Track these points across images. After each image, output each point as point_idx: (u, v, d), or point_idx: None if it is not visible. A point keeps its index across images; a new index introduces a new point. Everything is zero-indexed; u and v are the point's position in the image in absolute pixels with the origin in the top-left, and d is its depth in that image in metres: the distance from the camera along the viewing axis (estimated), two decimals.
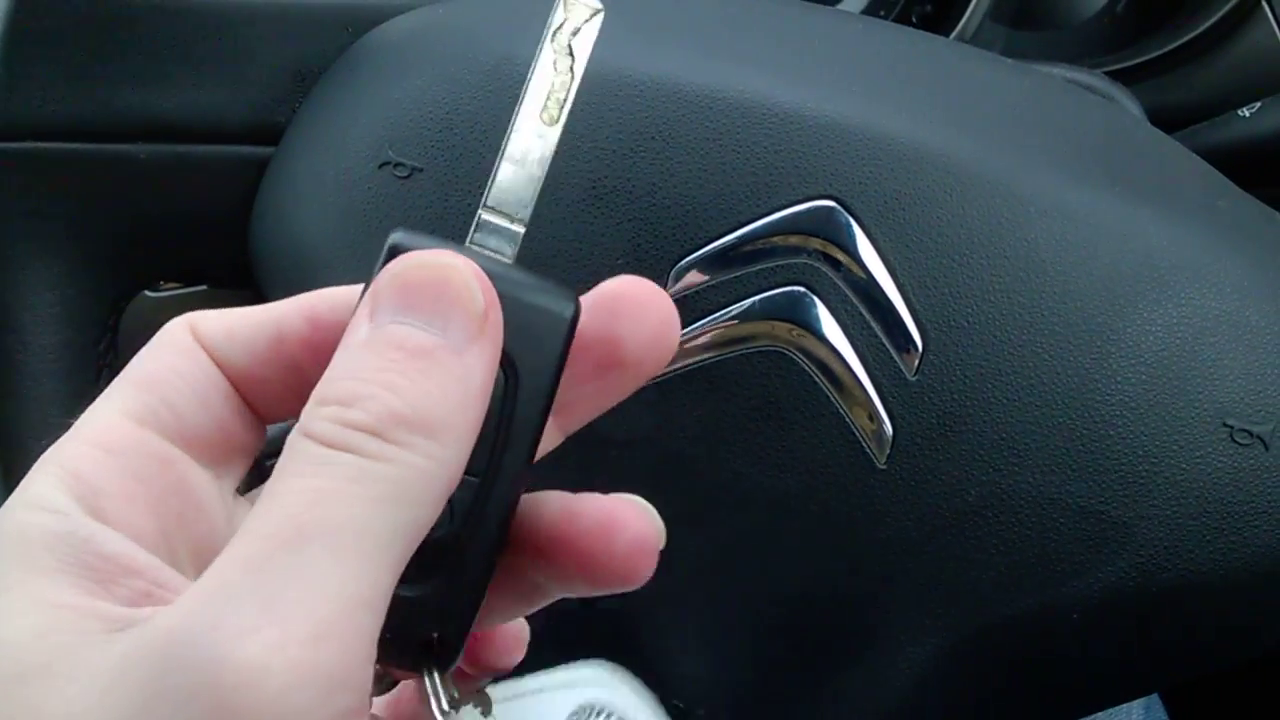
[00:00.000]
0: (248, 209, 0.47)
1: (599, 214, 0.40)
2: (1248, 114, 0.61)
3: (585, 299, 0.27)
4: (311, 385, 0.25)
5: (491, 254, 0.27)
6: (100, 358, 0.49)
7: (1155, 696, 0.68)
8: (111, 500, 0.25)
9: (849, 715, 0.43)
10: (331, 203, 0.43)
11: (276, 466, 0.23)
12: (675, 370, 0.39)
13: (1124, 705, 0.64)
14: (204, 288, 0.66)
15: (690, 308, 0.39)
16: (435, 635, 0.26)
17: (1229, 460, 0.39)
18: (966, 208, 0.39)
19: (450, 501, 0.25)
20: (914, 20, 0.80)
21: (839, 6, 0.74)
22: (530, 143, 0.27)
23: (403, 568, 0.23)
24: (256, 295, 0.47)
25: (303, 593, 0.21)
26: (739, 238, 0.39)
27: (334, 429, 0.23)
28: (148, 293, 0.64)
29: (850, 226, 0.39)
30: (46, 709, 0.21)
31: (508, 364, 0.26)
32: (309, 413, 0.24)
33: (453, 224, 0.40)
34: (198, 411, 0.27)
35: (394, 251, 0.26)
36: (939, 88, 0.43)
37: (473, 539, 0.26)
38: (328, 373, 0.24)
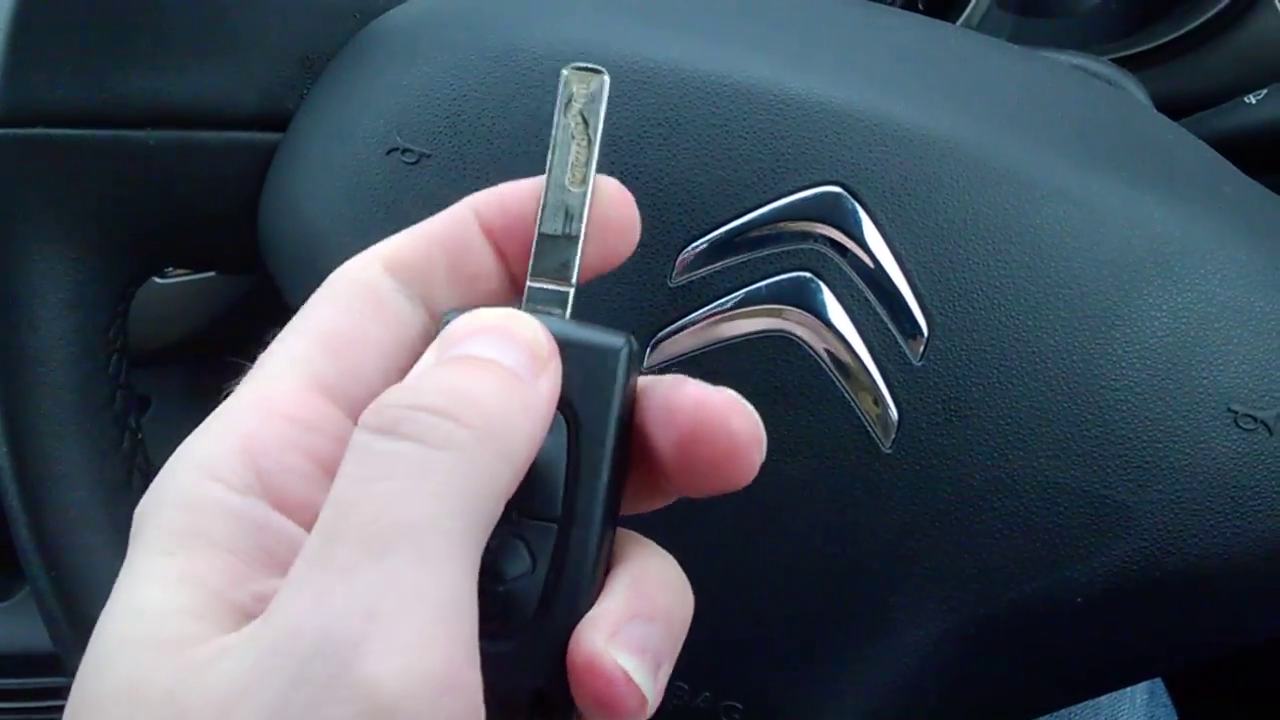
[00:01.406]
0: (256, 195, 0.47)
1: None
2: (1254, 100, 0.61)
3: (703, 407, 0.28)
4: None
5: (543, 310, 0.28)
6: (110, 344, 0.49)
7: (1159, 680, 0.68)
8: (291, 479, 0.25)
9: (852, 698, 0.43)
10: (340, 189, 0.43)
11: (341, 467, 0.23)
12: (680, 357, 0.40)
13: (1127, 689, 0.64)
14: (213, 274, 0.66)
15: (696, 293, 0.40)
16: (540, 688, 0.26)
17: (1233, 445, 0.39)
18: (973, 194, 0.39)
19: (528, 546, 0.26)
20: (920, 6, 0.80)
21: None
22: (561, 208, 0.28)
23: (478, 564, 0.23)
24: (266, 281, 0.47)
25: (397, 601, 0.21)
26: (745, 224, 0.39)
27: (401, 412, 0.23)
28: (156, 279, 0.65)
29: (857, 213, 0.39)
30: (198, 683, 0.21)
31: (569, 410, 0.26)
32: (371, 410, 0.24)
33: None
34: (385, 383, 0.27)
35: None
36: (946, 74, 0.43)
37: (558, 585, 0.26)
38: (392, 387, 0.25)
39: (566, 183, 0.28)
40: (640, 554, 0.28)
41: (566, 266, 0.28)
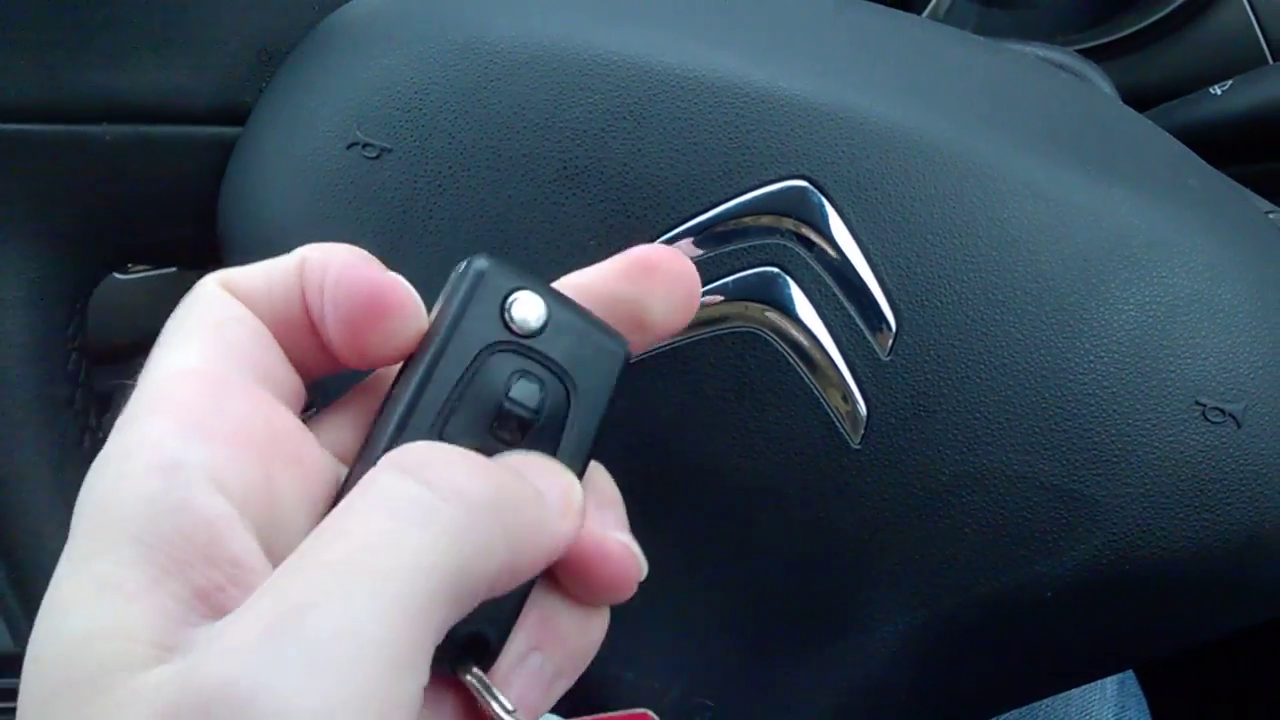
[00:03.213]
0: (215, 190, 0.46)
1: (570, 194, 0.39)
2: (1219, 92, 0.61)
3: (618, 260, 0.31)
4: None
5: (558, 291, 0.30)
6: (68, 341, 0.48)
7: (1130, 673, 0.69)
8: (226, 450, 0.24)
9: (822, 693, 0.43)
10: (300, 183, 0.42)
11: (344, 501, 0.24)
12: (648, 352, 0.39)
13: (1098, 681, 0.65)
14: (173, 270, 0.65)
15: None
16: (476, 633, 0.27)
17: (1202, 438, 0.39)
18: (939, 187, 0.39)
19: None
20: None
21: None
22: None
23: (449, 626, 0.23)
24: None
25: (347, 653, 0.21)
26: (711, 218, 0.39)
27: (421, 460, 0.24)
28: (116, 275, 0.64)
29: (823, 207, 0.39)
30: None
31: (570, 382, 0.29)
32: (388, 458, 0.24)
33: (422, 205, 0.40)
34: (263, 356, 0.27)
35: (480, 275, 0.28)
36: (911, 66, 0.43)
37: None
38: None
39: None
40: None
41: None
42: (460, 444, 0.26)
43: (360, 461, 0.28)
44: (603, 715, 0.28)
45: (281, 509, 0.25)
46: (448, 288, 0.29)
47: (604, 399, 0.29)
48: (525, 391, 0.28)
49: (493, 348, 0.28)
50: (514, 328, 0.28)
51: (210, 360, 0.26)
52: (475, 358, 0.28)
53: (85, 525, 0.24)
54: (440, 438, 0.27)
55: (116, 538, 0.23)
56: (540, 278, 0.29)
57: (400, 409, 0.27)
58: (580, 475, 0.29)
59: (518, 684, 0.28)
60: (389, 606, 0.21)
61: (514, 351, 0.28)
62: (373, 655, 0.21)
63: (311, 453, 0.27)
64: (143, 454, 0.24)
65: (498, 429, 0.28)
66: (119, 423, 0.25)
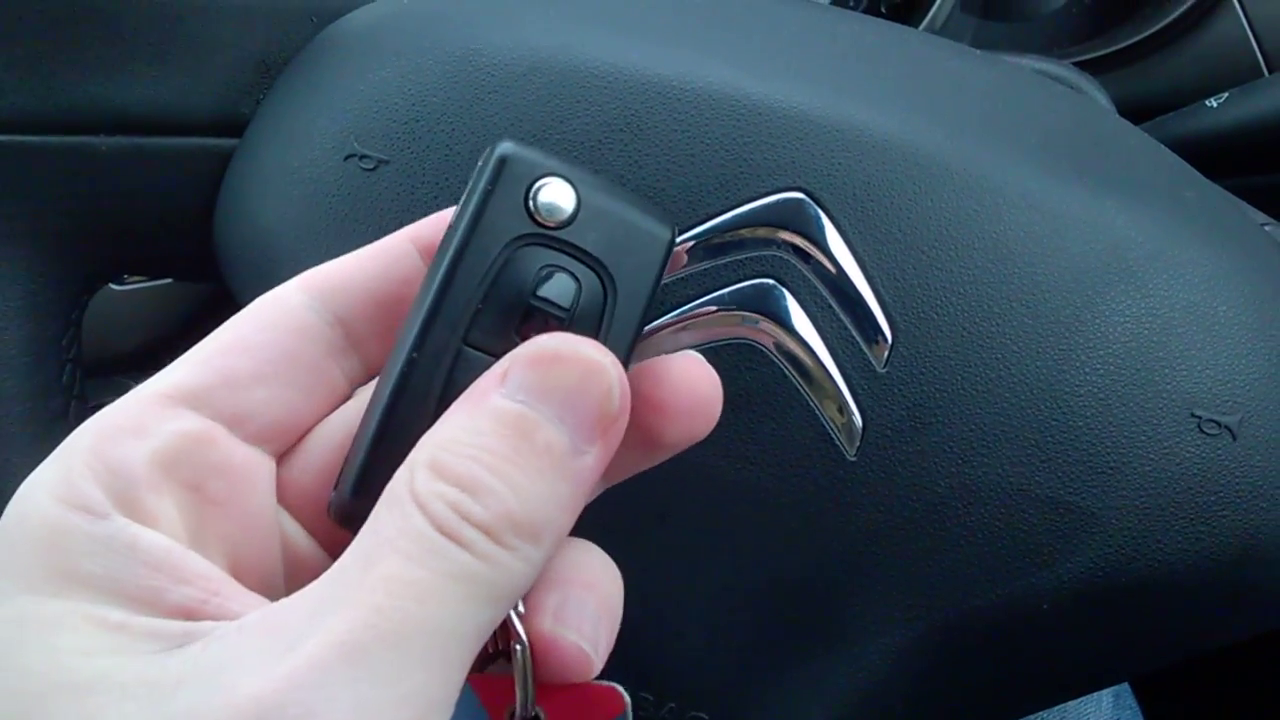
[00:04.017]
0: (212, 202, 0.46)
1: None
2: (1215, 104, 0.61)
3: (642, 376, 0.28)
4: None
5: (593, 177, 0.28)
6: (64, 352, 0.48)
7: (1125, 685, 0.69)
8: (143, 492, 0.24)
9: (818, 706, 0.43)
10: (297, 195, 0.42)
11: (373, 522, 0.23)
12: (643, 363, 0.39)
13: (1094, 694, 0.64)
14: (169, 281, 0.65)
15: (659, 300, 0.39)
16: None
17: (1197, 450, 0.39)
18: (935, 200, 0.39)
19: None
20: (883, 11, 0.80)
21: None
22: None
23: (475, 655, 0.24)
24: (221, 288, 0.46)
25: (395, 696, 0.21)
26: (708, 230, 0.39)
27: (451, 516, 0.23)
28: (112, 286, 0.64)
29: (819, 219, 0.39)
30: None
31: (605, 273, 0.27)
32: (422, 476, 0.24)
33: (419, 217, 0.40)
34: (261, 387, 0.26)
35: (501, 163, 0.27)
36: (908, 79, 0.43)
37: None
38: (448, 429, 0.24)
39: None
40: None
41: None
42: (487, 348, 0.25)
43: (383, 379, 0.26)
44: (572, 684, 0.27)
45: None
46: (472, 179, 0.27)
47: (646, 289, 0.28)
48: (555, 289, 0.26)
49: (519, 240, 0.27)
50: (540, 218, 0.27)
51: (163, 394, 0.26)
52: (499, 253, 0.26)
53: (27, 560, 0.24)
54: (465, 343, 0.26)
55: (84, 575, 0.23)
56: (571, 160, 0.27)
57: (421, 316, 0.26)
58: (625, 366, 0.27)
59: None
60: (431, 656, 0.22)
61: (542, 244, 0.27)
62: (418, 696, 0.22)
63: (253, 483, 0.27)
64: (76, 500, 0.24)
65: (526, 330, 0.26)
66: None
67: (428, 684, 0.22)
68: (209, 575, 0.24)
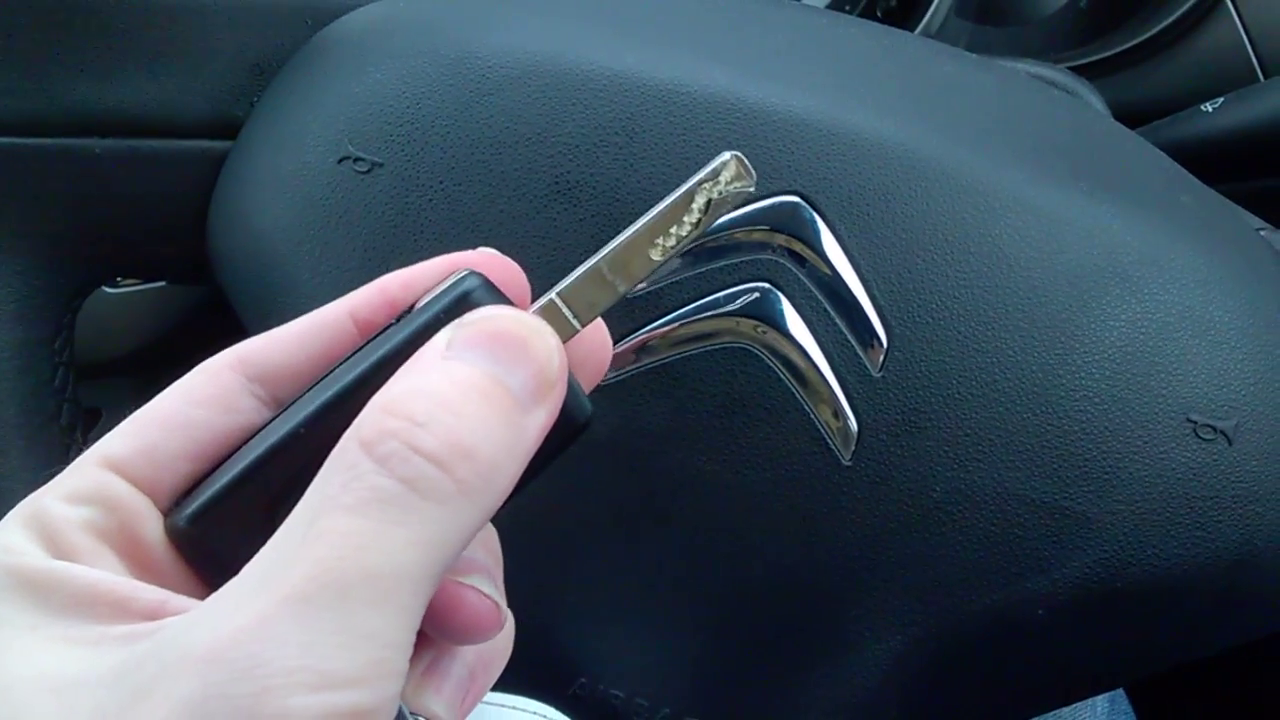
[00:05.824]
0: (205, 204, 0.46)
1: (562, 209, 0.39)
2: (1211, 109, 0.61)
3: None
4: None
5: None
6: (56, 355, 0.48)
7: (1120, 691, 0.69)
8: (77, 549, 0.25)
9: (813, 710, 0.42)
10: (290, 198, 0.42)
11: (317, 483, 0.23)
12: (640, 367, 0.39)
13: (1089, 699, 0.64)
14: (162, 284, 0.65)
15: (654, 304, 0.39)
16: None
17: (1192, 456, 0.39)
18: (931, 204, 0.39)
19: None
20: (879, 15, 0.80)
21: (804, 1, 0.74)
22: (628, 260, 0.28)
23: (428, 602, 0.24)
24: (215, 291, 0.46)
25: (345, 640, 0.21)
26: (703, 233, 0.39)
27: (399, 449, 0.23)
28: (105, 289, 0.64)
29: (815, 223, 0.39)
30: (79, 709, 0.22)
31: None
32: (373, 419, 0.24)
33: (413, 219, 0.40)
34: (185, 463, 0.27)
35: (463, 297, 0.27)
36: (904, 83, 0.43)
37: None
38: (399, 382, 0.25)
39: (649, 240, 0.28)
40: None
41: (592, 308, 0.28)
42: None
43: (272, 429, 0.27)
44: None
45: None
46: (431, 294, 0.28)
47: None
48: None
49: None
50: None
51: (99, 460, 0.26)
52: None
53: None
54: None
55: (36, 604, 0.24)
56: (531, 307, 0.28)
57: (334, 391, 0.26)
58: None
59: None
60: (382, 601, 0.22)
61: None
62: (372, 640, 0.22)
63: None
64: (10, 548, 0.25)
65: None
66: None
67: (383, 627, 0.22)
68: (156, 591, 0.24)
